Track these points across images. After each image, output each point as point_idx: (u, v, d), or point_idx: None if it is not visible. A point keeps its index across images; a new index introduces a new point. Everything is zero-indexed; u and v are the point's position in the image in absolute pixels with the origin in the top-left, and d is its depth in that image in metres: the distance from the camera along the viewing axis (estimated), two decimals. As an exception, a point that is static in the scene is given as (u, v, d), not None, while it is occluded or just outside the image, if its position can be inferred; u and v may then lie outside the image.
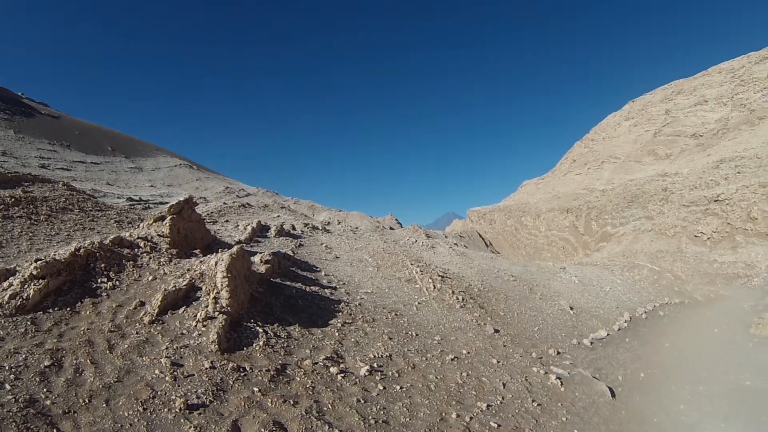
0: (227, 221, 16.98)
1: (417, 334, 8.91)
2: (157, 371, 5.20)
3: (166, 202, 18.62)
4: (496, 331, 10.54)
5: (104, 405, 4.58)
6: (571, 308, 13.64)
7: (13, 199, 11.17)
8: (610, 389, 8.80)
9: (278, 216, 20.87)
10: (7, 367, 4.75)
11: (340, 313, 8.69)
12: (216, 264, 7.42)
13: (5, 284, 6.09)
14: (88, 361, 5.14)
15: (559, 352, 10.25)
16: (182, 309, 6.51)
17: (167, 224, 9.37)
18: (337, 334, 7.66)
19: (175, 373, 5.23)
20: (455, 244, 24.90)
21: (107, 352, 5.36)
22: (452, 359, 8.13)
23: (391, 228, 28.90)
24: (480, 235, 42.68)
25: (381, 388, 6.34)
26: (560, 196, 41.17)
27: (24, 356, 5.00)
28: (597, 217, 32.72)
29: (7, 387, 4.50)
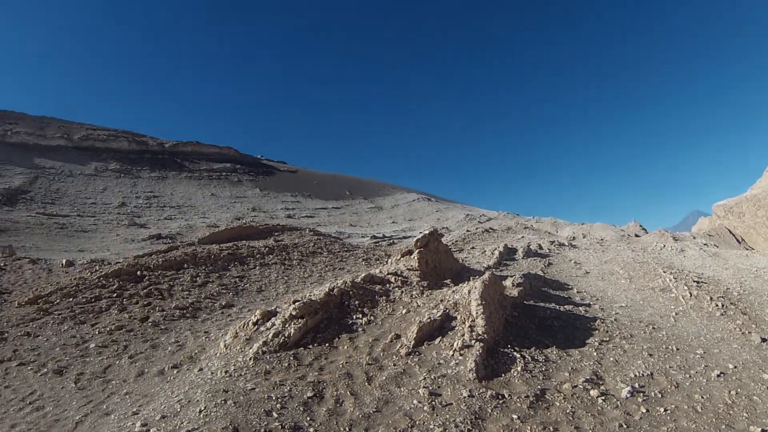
0: (473, 248, 17.41)
1: (677, 349, 7.59)
2: (415, 401, 5.13)
3: (410, 236, 19.85)
4: (764, 340, 8.53)
5: (364, 432, 4.63)
6: None
7: (267, 248, 13.02)
8: None
9: (522, 237, 20.84)
10: (274, 397, 5.14)
11: (597, 331, 7.99)
12: (469, 292, 7.41)
13: (268, 324, 6.83)
14: (348, 392, 5.32)
15: None
16: (438, 339, 6.52)
17: (415, 258, 9.81)
18: (595, 353, 6.92)
19: (433, 402, 5.10)
20: (705, 244, 21.86)
21: (366, 383, 5.50)
22: (718, 375, 6.73)
23: (636, 235, 26.91)
24: (730, 231, 36.77)
25: (644, 410, 5.44)
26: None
27: (288, 388, 5.38)
28: None
29: (275, 415, 4.86)
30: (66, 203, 36.22)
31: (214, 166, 56.81)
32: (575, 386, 5.71)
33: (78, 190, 40.58)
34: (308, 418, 4.86)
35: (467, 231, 22.13)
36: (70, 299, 9.57)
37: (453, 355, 6.04)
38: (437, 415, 4.87)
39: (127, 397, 5.79)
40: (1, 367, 6.90)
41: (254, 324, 6.89)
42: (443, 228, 24.77)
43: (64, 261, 14.16)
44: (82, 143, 53.42)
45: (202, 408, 4.80)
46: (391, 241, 18.29)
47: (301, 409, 5.00)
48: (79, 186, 41.96)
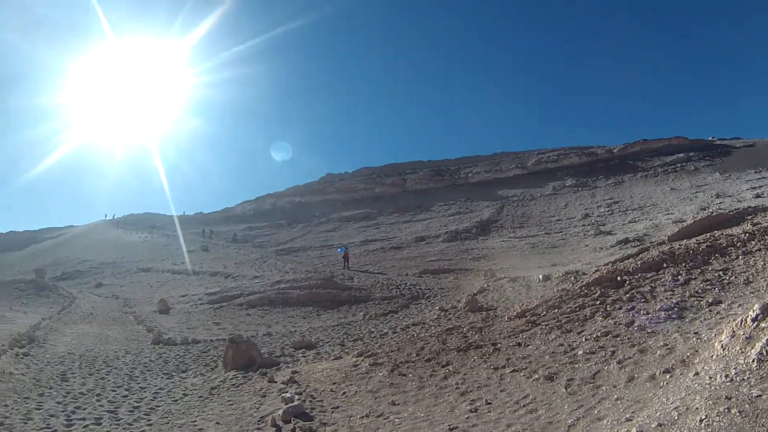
0: None
1: None
2: None
3: None
4: None
5: None
6: None
7: (747, 235, 10.75)
8: None
9: None
10: None
11: None
12: None
13: None
14: None
15: None
16: None
17: None
18: None
19: None
20: None
21: None
22: None
23: None
24: None
25: None
26: None
27: None
28: None
29: None
30: (533, 224, 40.16)
31: (667, 159, 52.05)
32: None
33: (542, 211, 44.40)
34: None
35: None
36: (555, 310, 10.12)
37: None
38: None
39: (619, 402, 5.41)
40: (497, 373, 7.50)
41: (753, 320, 5.35)
42: None
43: (540, 276, 15.51)
44: (535, 168, 59.19)
45: (703, 417, 3.89)
46: None
47: None
48: (542, 207, 45.92)
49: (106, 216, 66.88)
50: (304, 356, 11.85)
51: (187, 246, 42.15)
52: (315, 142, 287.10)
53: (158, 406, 8.55)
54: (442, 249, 33.83)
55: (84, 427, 7.37)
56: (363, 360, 9.57)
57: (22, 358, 11.11)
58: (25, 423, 7.35)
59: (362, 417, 6.75)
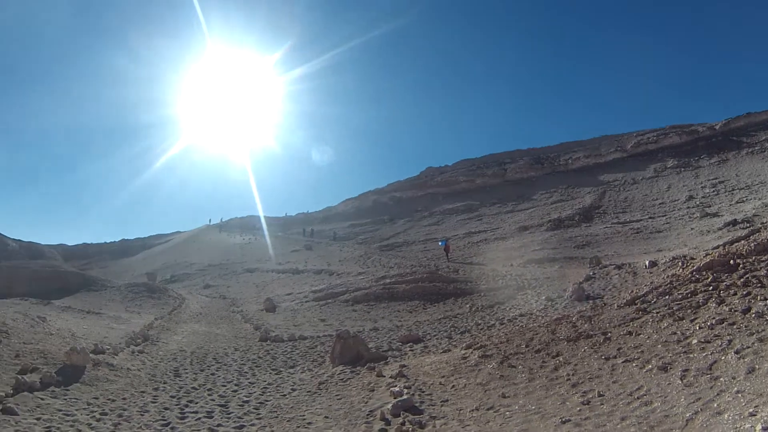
0: None
1: None
2: None
3: None
4: None
5: None
6: None
7: None
8: None
9: None
10: None
11: None
12: None
13: None
14: None
15: None
16: None
17: None
18: None
19: None
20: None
21: None
22: None
23: None
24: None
25: None
26: None
27: None
28: None
29: None
30: (636, 209, 38.21)
31: (775, 132, 46.87)
32: None
33: (644, 195, 42.02)
34: None
35: None
36: (666, 297, 9.68)
37: None
38: None
39: (739, 396, 5.20)
40: (608, 364, 7.29)
41: None
42: None
43: (646, 262, 14.75)
44: (635, 150, 55.86)
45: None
46: None
47: None
48: (644, 190, 43.40)
49: (210, 221, 72.65)
50: (412, 350, 12.00)
51: (291, 246, 44.71)
52: (413, 137, 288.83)
53: (267, 401, 8.93)
54: (546, 238, 33.49)
55: (196, 420, 7.90)
56: (472, 352, 9.58)
57: (137, 355, 12.42)
58: (142, 415, 8.15)
59: (472, 410, 6.78)
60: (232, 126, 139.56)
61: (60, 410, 7.95)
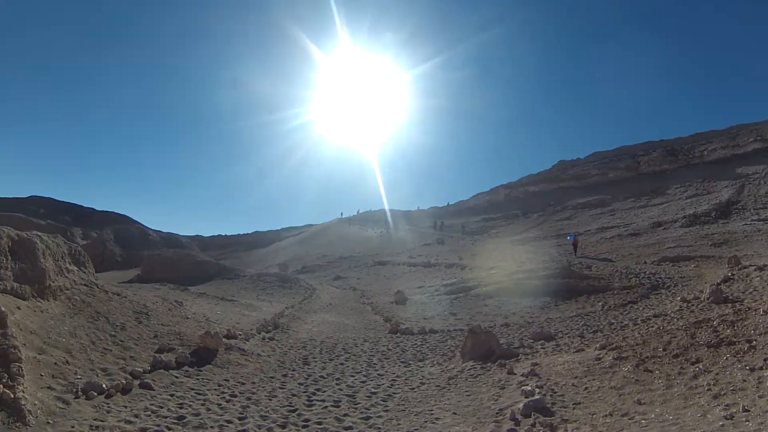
0: None
1: None
2: None
3: None
4: None
5: None
6: None
7: None
8: None
9: None
10: None
11: None
12: None
13: None
14: None
15: None
16: None
17: None
18: None
19: None
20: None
21: None
22: None
23: None
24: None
25: None
26: None
27: None
28: None
29: None
30: None
31: None
32: None
33: None
34: None
35: None
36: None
37: None
38: None
39: None
40: (754, 375, 6.27)
41: None
42: None
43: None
44: None
45: None
46: None
47: None
48: None
49: (342, 214, 74.80)
50: (543, 348, 11.20)
51: (423, 239, 44.43)
52: (546, 130, 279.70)
53: (395, 393, 8.70)
54: (680, 234, 31.76)
55: (323, 408, 7.81)
56: (606, 353, 8.82)
57: (268, 341, 12.66)
58: (270, 400, 8.17)
59: (605, 415, 6.32)
60: (364, 122, 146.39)
61: (192, 389, 8.26)
